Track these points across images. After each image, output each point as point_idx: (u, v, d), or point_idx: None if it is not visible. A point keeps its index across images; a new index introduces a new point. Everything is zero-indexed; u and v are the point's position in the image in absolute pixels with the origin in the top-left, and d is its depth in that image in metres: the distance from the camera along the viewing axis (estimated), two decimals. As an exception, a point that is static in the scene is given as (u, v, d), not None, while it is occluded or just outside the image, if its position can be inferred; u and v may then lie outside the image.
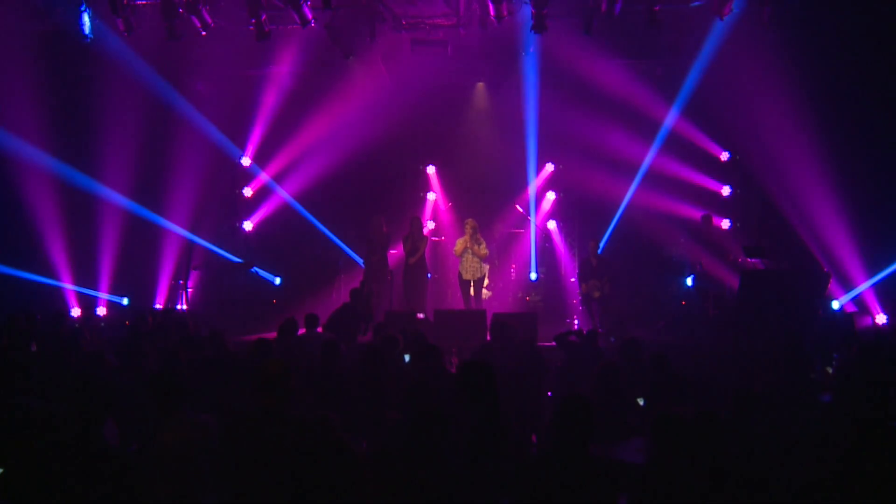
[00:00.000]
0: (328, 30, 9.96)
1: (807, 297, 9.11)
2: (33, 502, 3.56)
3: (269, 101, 13.03)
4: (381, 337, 7.35)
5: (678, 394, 5.53)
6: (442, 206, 13.38)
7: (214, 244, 12.57)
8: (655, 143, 12.34)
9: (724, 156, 12.58)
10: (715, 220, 11.43)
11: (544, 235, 12.83)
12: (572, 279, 12.14)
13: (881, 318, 10.38)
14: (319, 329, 8.16)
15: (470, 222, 10.93)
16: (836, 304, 10.41)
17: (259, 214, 13.34)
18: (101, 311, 11.48)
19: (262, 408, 3.88)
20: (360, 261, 12.12)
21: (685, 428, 3.52)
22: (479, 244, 10.89)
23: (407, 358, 6.97)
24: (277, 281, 13.14)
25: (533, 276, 12.46)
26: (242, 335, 9.41)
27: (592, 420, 3.52)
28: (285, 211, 13.12)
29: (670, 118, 12.18)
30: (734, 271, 10.00)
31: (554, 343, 7.66)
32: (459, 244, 10.90)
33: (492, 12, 9.21)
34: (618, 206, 12.58)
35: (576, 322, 11.48)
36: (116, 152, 11.51)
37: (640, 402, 5.82)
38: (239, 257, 12.45)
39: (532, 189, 12.77)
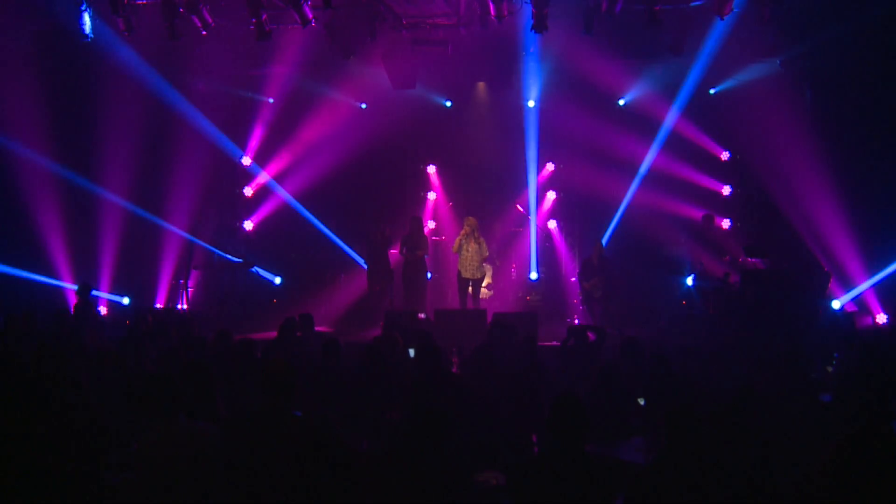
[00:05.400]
0: (328, 29, 9.96)
1: (807, 297, 9.11)
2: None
3: (269, 101, 13.05)
4: (382, 337, 7.35)
5: (678, 394, 5.53)
6: (442, 205, 13.38)
7: (214, 244, 12.57)
8: (655, 143, 12.35)
9: (725, 155, 12.59)
10: (716, 219, 11.44)
11: (545, 235, 12.83)
12: (572, 279, 12.14)
13: (881, 318, 10.39)
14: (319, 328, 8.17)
15: (470, 220, 10.91)
16: (836, 304, 10.41)
17: (259, 214, 13.35)
18: (102, 310, 11.48)
19: (263, 408, 3.88)
20: (361, 260, 12.14)
21: (700, 421, 3.52)
22: (481, 244, 10.86)
23: (412, 352, 6.95)
24: (277, 281, 13.14)
25: (533, 275, 12.46)
26: (242, 335, 9.39)
27: (586, 419, 3.52)
28: (285, 211, 13.12)
29: (670, 118, 12.19)
30: (734, 271, 9.99)
31: (555, 343, 7.67)
32: (456, 242, 10.91)
33: (492, 12, 9.20)
34: (618, 206, 12.58)
35: (576, 322, 11.48)
36: (116, 152, 11.49)
37: (641, 402, 5.82)
38: (238, 257, 12.45)
39: (532, 189, 12.78)
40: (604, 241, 12.10)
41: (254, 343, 6.68)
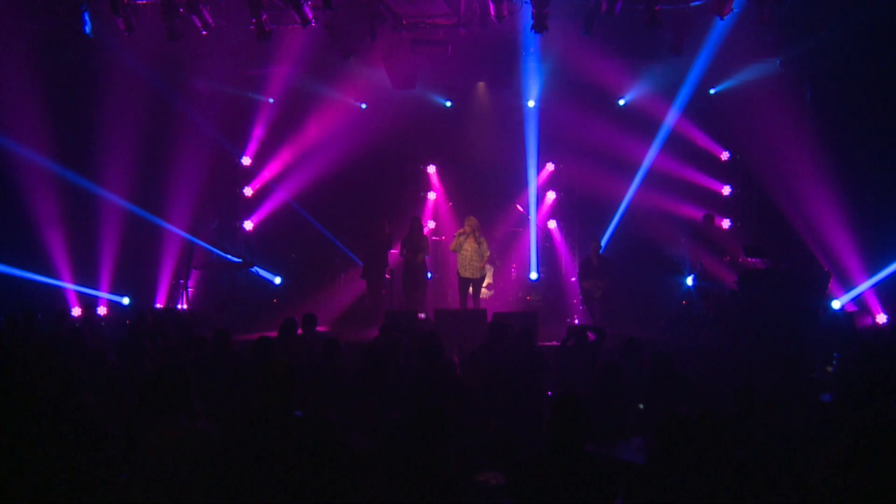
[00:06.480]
0: (328, 29, 9.96)
1: (807, 297, 9.12)
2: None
3: (269, 101, 13.06)
4: (383, 337, 7.35)
5: (678, 394, 5.53)
6: (442, 205, 13.38)
7: (214, 244, 12.58)
8: (655, 143, 12.35)
9: (725, 155, 12.59)
10: (716, 219, 11.44)
11: (545, 235, 12.84)
12: (572, 279, 12.15)
13: (881, 318, 10.38)
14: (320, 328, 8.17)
15: (471, 220, 10.90)
16: (836, 304, 10.41)
17: (259, 214, 13.35)
18: (102, 310, 11.49)
19: (264, 407, 3.88)
20: (360, 261, 12.14)
21: (690, 428, 3.53)
22: (481, 244, 10.85)
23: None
24: (277, 281, 13.14)
25: (533, 275, 12.46)
26: (242, 335, 9.40)
27: (587, 419, 3.53)
28: (285, 211, 13.13)
29: (670, 118, 12.19)
30: (734, 271, 10.00)
31: (555, 343, 7.65)
32: (454, 241, 10.92)
33: (492, 12, 9.20)
34: (618, 206, 12.59)
35: (576, 322, 11.48)
36: (117, 152, 11.48)
37: (641, 407, 5.81)
38: (238, 257, 12.46)
39: (532, 189, 12.78)
40: (604, 241, 12.12)
41: (272, 342, 6.66)
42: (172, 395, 3.90)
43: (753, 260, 9.99)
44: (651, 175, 12.42)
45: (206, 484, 3.70)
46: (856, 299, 10.64)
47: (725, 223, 12.28)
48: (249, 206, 13.42)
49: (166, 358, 6.59)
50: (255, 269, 12.72)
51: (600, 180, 12.22)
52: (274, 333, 7.63)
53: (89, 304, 10.77)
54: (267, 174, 13.24)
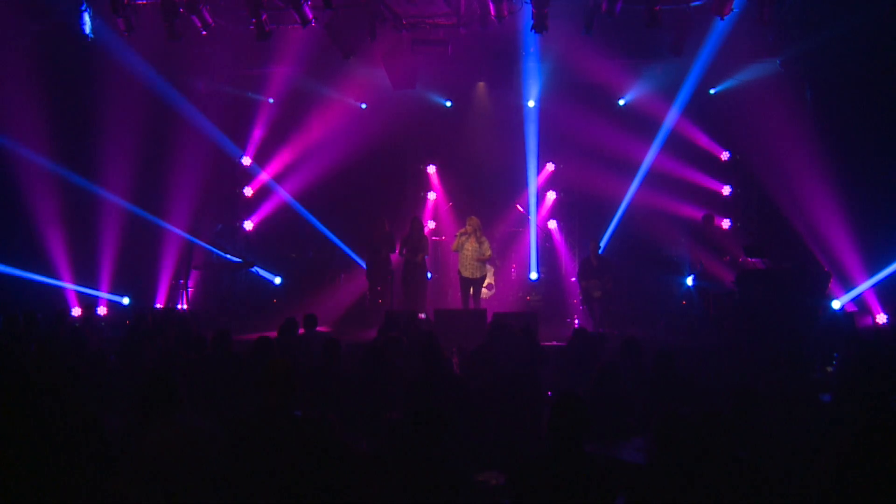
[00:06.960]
0: (328, 29, 9.96)
1: (807, 297, 9.11)
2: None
3: (269, 101, 13.06)
4: (383, 337, 7.36)
5: (679, 393, 5.53)
6: (442, 205, 13.38)
7: (214, 244, 12.58)
8: (655, 143, 12.35)
9: (725, 155, 12.59)
10: (716, 219, 11.44)
11: (545, 235, 12.84)
12: (572, 279, 12.15)
13: (881, 318, 10.38)
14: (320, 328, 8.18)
15: (472, 220, 10.90)
16: (836, 304, 10.41)
17: (259, 214, 13.36)
18: (102, 310, 11.49)
19: (263, 407, 3.88)
20: (360, 261, 12.15)
21: (689, 428, 3.52)
22: (482, 244, 10.86)
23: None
24: (277, 281, 13.14)
25: (533, 275, 12.46)
26: (242, 335, 9.40)
27: (587, 419, 3.52)
28: (285, 211, 13.13)
29: (670, 118, 12.19)
30: (734, 271, 10.00)
31: (555, 343, 7.65)
32: (455, 241, 10.92)
33: (492, 12, 9.20)
34: (618, 206, 12.59)
35: (576, 322, 11.48)
36: (117, 152, 11.48)
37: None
38: (238, 257, 12.46)
39: (532, 189, 12.78)
40: (604, 241, 12.11)
41: (272, 342, 6.66)
42: (163, 398, 3.90)
43: (753, 260, 9.98)
44: (651, 175, 12.41)
45: (206, 484, 3.70)
46: (856, 299, 10.64)
47: (725, 223, 12.27)
48: (249, 206, 13.42)
49: (166, 358, 6.60)
50: (255, 269, 12.72)
51: (600, 180, 12.22)
52: (274, 333, 7.64)
53: (89, 304, 10.77)
54: (267, 174, 13.24)
